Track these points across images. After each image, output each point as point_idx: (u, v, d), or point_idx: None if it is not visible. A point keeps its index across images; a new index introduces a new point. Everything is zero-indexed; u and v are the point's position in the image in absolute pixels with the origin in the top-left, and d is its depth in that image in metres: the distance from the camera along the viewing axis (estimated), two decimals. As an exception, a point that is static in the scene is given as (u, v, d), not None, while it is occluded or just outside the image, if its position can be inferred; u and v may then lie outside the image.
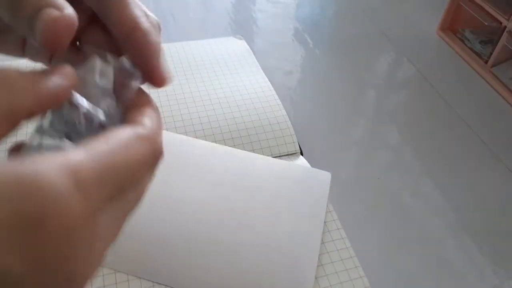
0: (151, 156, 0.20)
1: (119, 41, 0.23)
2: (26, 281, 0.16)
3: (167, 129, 0.54)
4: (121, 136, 0.19)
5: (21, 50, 0.26)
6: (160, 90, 0.60)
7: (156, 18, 0.24)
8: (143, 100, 0.23)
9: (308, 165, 0.54)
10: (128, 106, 0.23)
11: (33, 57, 0.26)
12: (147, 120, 0.21)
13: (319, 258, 0.44)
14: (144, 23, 0.23)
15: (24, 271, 0.15)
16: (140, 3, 0.24)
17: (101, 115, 0.21)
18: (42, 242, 0.16)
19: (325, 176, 0.51)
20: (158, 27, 0.24)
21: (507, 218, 0.55)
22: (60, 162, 0.16)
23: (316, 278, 0.43)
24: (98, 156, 0.18)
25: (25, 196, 0.15)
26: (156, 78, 0.23)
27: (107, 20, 0.23)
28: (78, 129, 0.21)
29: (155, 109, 0.23)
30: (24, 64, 0.34)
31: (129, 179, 0.19)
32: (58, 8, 0.20)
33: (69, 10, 0.20)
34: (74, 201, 0.16)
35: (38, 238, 0.16)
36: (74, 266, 0.17)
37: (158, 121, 0.22)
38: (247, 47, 0.71)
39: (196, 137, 0.53)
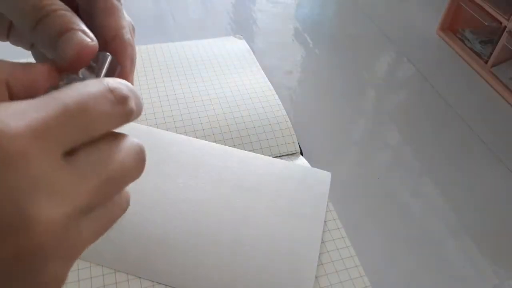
0: (107, 92, 0.19)
1: (98, 43, 0.23)
2: None
3: (167, 129, 0.54)
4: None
5: (6, 35, 0.27)
6: (161, 90, 0.60)
7: (132, 22, 0.26)
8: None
9: (308, 165, 0.54)
10: None
11: (16, 43, 0.27)
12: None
13: (319, 257, 0.44)
14: (126, 34, 0.24)
15: None
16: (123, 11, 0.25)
17: None
18: None
19: (325, 176, 0.51)
20: (133, 30, 0.26)
21: (507, 218, 0.55)
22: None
23: (316, 277, 0.43)
24: (42, 96, 0.18)
25: None
26: None
27: (92, 20, 0.24)
28: None
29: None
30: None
31: (83, 115, 0.18)
32: (84, 32, 0.21)
33: (93, 36, 0.22)
34: (9, 119, 0.16)
35: None
36: (17, 197, 0.16)
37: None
38: (247, 47, 0.71)
39: (196, 137, 0.53)
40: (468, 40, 0.81)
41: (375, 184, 0.57)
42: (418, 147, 0.62)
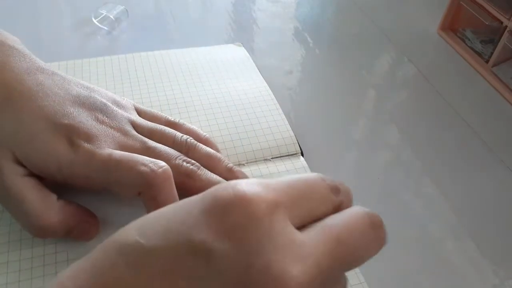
0: (321, 180, 0.27)
1: None
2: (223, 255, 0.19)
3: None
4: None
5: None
6: (162, 96, 0.60)
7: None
8: None
9: (307, 166, 0.54)
10: None
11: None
12: None
13: None
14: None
15: (220, 246, 0.19)
16: None
17: None
18: (231, 221, 0.19)
19: None
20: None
21: (507, 218, 0.55)
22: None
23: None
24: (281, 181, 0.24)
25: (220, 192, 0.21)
26: None
27: None
28: None
29: None
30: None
31: (308, 198, 0.24)
32: None
33: None
34: (258, 193, 0.21)
35: (228, 219, 0.19)
36: (265, 253, 0.19)
37: None
38: (247, 54, 0.71)
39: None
40: (469, 39, 0.81)
41: (375, 184, 0.57)
42: (418, 147, 0.62)
